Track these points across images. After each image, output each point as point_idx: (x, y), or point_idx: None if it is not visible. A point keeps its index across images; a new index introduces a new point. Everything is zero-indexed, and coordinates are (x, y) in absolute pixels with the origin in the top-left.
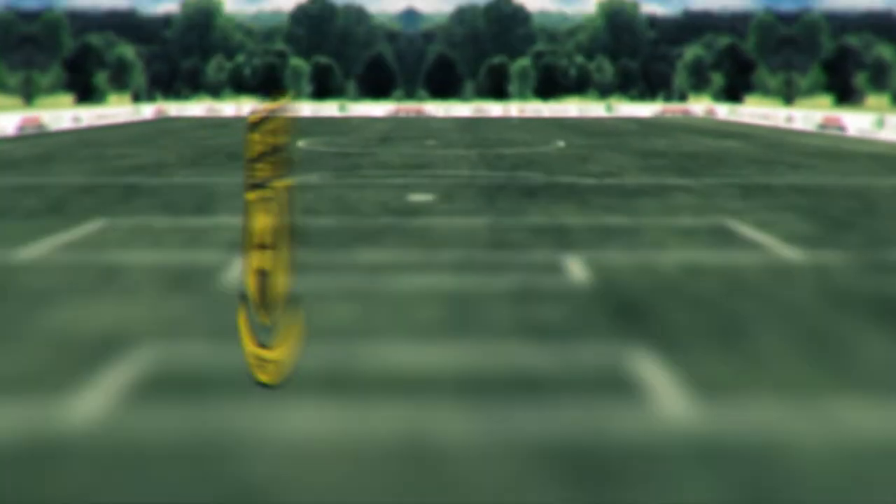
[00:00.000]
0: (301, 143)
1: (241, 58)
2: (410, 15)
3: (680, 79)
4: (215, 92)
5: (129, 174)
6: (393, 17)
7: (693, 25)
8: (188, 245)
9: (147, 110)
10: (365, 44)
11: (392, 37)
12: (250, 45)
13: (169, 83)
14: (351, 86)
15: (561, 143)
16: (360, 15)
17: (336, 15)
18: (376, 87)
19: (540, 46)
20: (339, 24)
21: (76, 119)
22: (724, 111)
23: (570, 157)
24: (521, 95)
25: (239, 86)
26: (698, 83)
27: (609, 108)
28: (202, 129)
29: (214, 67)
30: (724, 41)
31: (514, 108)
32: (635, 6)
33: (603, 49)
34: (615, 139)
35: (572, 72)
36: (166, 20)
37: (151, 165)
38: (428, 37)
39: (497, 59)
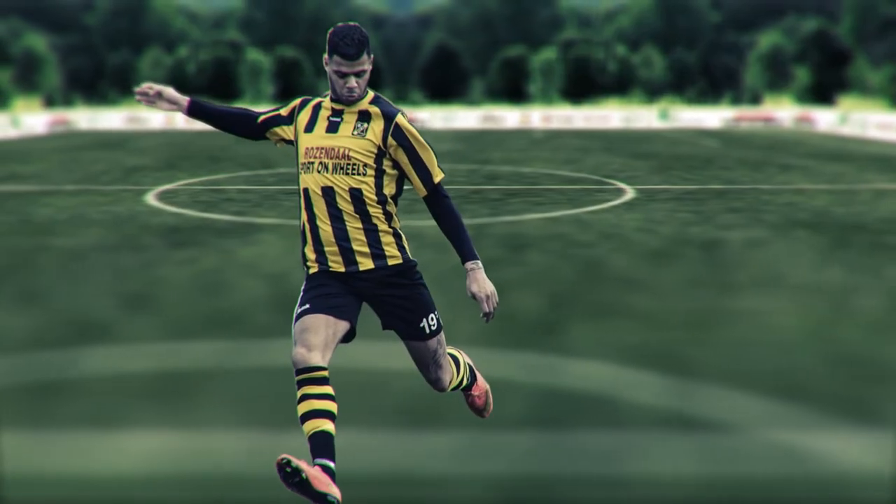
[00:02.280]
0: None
1: (183, 51)
2: None
3: (752, 75)
4: None
5: None
6: None
7: (769, 5)
8: None
9: (37, 121)
10: None
11: (378, 22)
12: (196, 35)
13: (91, 83)
14: (324, 86)
15: (628, 190)
16: None
17: None
18: None
19: (570, 33)
20: (309, 7)
21: None
22: (829, 119)
23: (690, 238)
24: (546, 97)
25: (181, 86)
26: (776, 80)
27: (664, 115)
28: (71, 152)
29: (150, 63)
30: (809, 25)
31: (536, 116)
32: None
33: (651, 37)
34: (713, 174)
35: (611, 66)
36: (88, 3)
37: None
38: (424, 22)
39: (514, 51)
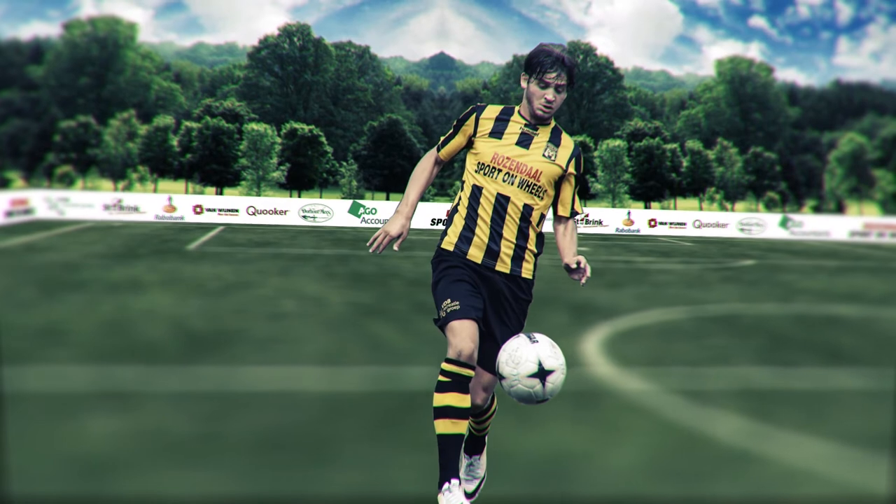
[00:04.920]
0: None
1: (165, 118)
2: (442, 64)
3: (834, 179)
4: (118, 172)
5: None
6: (415, 67)
7: (848, 102)
8: None
9: None
10: (371, 105)
11: (414, 97)
12: (181, 99)
13: (36, 154)
14: (348, 170)
15: None
16: (364, 60)
17: (326, 58)
18: (388, 175)
19: (636, 122)
20: (331, 73)
21: None
22: None
23: None
24: (612, 195)
25: (161, 163)
26: (859, 185)
27: (785, 223)
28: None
29: (118, 131)
30: (892, 127)
31: (640, 219)
32: (769, 71)
33: (727, 131)
34: None
35: (685, 162)
36: (36, 51)
37: None
38: (469, 100)
39: (576, 139)
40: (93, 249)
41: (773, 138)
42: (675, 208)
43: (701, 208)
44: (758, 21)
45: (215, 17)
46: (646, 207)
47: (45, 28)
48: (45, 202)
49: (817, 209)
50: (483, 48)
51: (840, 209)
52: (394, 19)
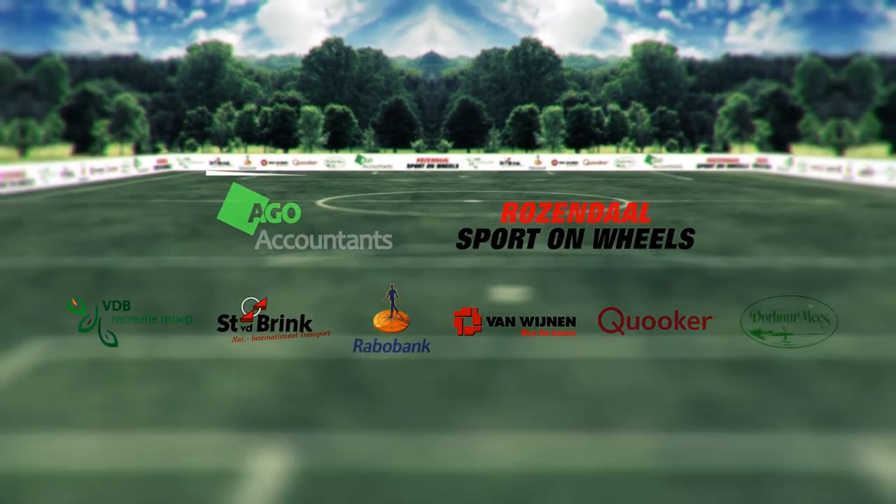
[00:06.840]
0: (322, 202)
1: (250, 105)
2: (432, 59)
3: (722, 127)
4: (223, 141)
5: (106, 250)
6: (413, 62)
7: (735, 70)
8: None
9: (147, 162)
10: (383, 90)
11: (412, 83)
12: (260, 92)
13: (173, 132)
14: (368, 135)
15: (623, 202)
16: (378, 60)
17: (353, 60)
18: (395, 136)
19: (571, 93)
20: (356, 70)
21: (67, 173)
22: (779, 162)
23: (661, 224)
24: (552, 145)
25: (248, 135)
26: (741, 132)
27: (650, 160)
28: (205, 184)
29: (221, 115)
30: (769, 87)
31: (546, 160)
32: (673, 50)
33: (639, 96)
34: (686, 196)
35: (606, 120)
36: (171, 66)
37: (137, 237)
38: (450, 83)
39: (526, 107)
40: (190, 180)
41: (674, 100)
42: (598, 153)
43: (618, 152)
44: (665, 14)
45: (282, 37)
46: (576, 153)
47: (176, 51)
48: (176, 161)
49: (707, 150)
50: (460, 47)
51: (725, 149)
52: (398, 30)
